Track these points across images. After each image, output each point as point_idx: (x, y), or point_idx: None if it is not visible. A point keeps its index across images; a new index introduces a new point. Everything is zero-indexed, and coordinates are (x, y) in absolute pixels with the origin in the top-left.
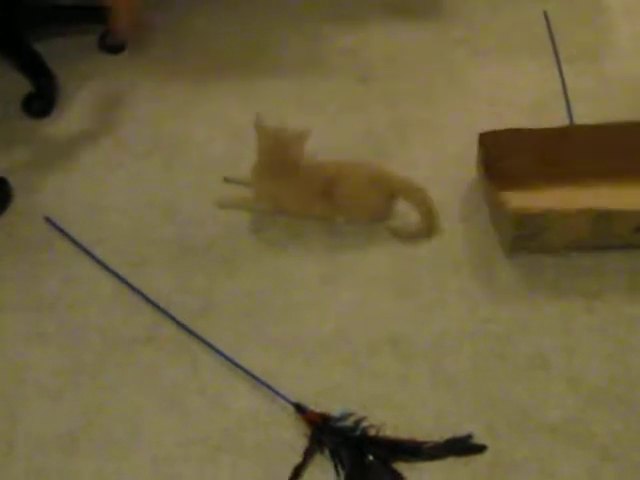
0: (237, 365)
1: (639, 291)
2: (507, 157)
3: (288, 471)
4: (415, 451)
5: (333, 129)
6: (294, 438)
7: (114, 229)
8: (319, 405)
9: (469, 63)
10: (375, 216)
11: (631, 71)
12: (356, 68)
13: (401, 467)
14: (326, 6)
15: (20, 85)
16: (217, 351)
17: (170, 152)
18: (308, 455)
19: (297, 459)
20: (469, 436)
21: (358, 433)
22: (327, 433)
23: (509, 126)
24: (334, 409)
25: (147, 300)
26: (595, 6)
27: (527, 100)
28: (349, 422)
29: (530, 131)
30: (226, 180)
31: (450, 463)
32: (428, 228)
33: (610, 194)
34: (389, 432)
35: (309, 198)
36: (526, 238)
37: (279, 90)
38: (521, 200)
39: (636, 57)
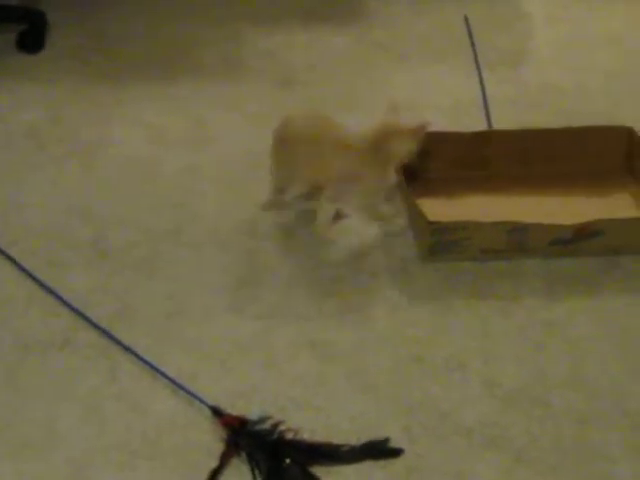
0: (155, 368)
1: (555, 296)
2: (427, 161)
3: (205, 475)
4: (332, 454)
5: (253, 131)
6: (211, 442)
7: (31, 230)
8: (237, 408)
9: (390, 67)
10: None
11: (550, 78)
12: (277, 71)
13: (318, 471)
14: (247, 9)
15: None
16: (135, 354)
17: (89, 154)
18: (225, 459)
19: (214, 463)
20: (386, 439)
21: (275, 436)
22: (244, 436)
23: (429, 130)
24: (252, 412)
25: (64, 303)
26: (515, 12)
27: (447, 104)
28: (266, 425)
29: (450, 135)
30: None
31: (367, 467)
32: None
33: (529, 200)
34: (307, 435)
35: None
36: (443, 246)
37: (198, 92)
38: (440, 207)
39: (555, 64)
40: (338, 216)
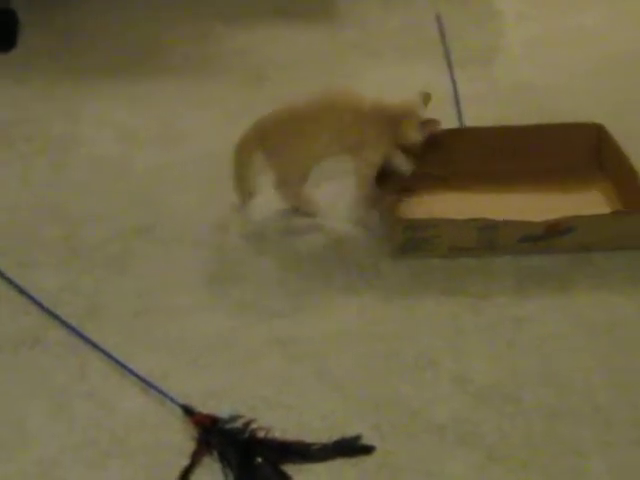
0: (125, 367)
1: (525, 293)
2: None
3: (176, 474)
4: (303, 453)
5: (223, 130)
6: (182, 440)
7: (0, 229)
8: (208, 407)
9: (361, 65)
10: None
11: (521, 75)
12: (247, 70)
13: (290, 469)
14: (218, 7)
15: None
16: (105, 353)
17: (59, 152)
18: (196, 457)
19: (185, 462)
20: (358, 437)
21: (247, 435)
22: (215, 435)
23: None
24: (223, 411)
25: (34, 301)
26: (487, 10)
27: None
28: (238, 424)
29: None
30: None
31: (338, 464)
32: None
33: (500, 198)
34: (278, 434)
35: None
36: (413, 243)
37: (169, 90)
38: (410, 204)
39: (527, 62)
40: (306, 214)
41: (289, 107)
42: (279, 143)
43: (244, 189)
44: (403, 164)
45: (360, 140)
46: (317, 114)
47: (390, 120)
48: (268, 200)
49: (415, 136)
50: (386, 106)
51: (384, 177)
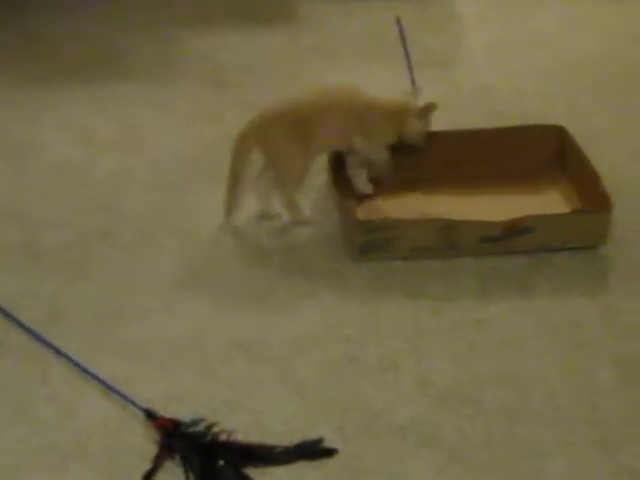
0: (87, 371)
1: (487, 295)
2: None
3: (138, 478)
4: (266, 456)
5: (185, 134)
6: (144, 444)
7: None
8: (170, 411)
9: (322, 68)
10: None
11: (482, 78)
12: (209, 73)
13: (252, 472)
14: (179, 11)
15: None
16: (67, 357)
17: (19, 156)
18: (158, 461)
19: (147, 465)
20: (320, 440)
21: (209, 438)
22: (178, 439)
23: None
24: (185, 415)
25: None
26: (447, 14)
27: None
28: (200, 428)
29: None
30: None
31: (300, 467)
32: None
33: (462, 200)
34: (240, 437)
35: None
36: (374, 245)
37: (130, 94)
38: (370, 207)
39: (487, 65)
40: (267, 216)
41: (291, 101)
42: (283, 138)
43: (234, 191)
44: (380, 153)
45: (366, 132)
46: (324, 107)
47: (392, 112)
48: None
49: (419, 129)
50: (385, 100)
51: (344, 180)
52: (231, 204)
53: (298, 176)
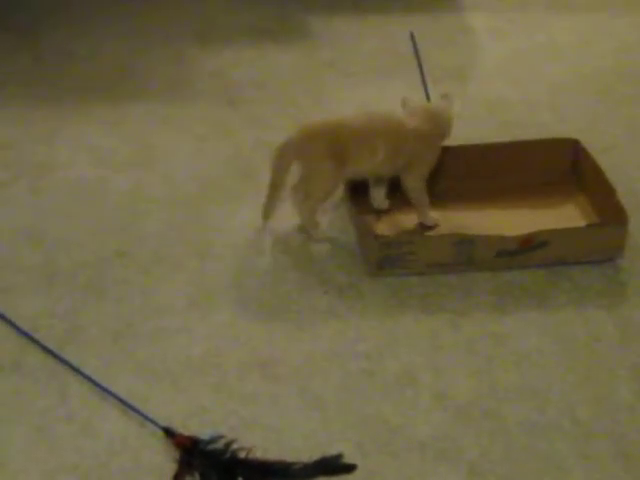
0: (106, 390)
1: (503, 309)
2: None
3: None
4: (285, 472)
5: (200, 152)
6: (164, 462)
7: None
8: (189, 429)
9: (336, 85)
10: None
11: (495, 91)
12: (223, 91)
13: None
14: (191, 29)
15: None
16: (85, 376)
17: (35, 177)
18: (178, 479)
19: None
20: (339, 456)
21: (228, 456)
22: (197, 456)
23: None
24: (204, 432)
25: (13, 326)
26: (460, 27)
27: None
28: (219, 445)
29: None
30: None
31: None
32: None
33: (477, 214)
34: (259, 454)
35: None
36: (391, 261)
37: (144, 113)
38: (387, 222)
39: (500, 77)
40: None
41: (335, 121)
42: (319, 155)
43: (274, 199)
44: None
45: (411, 158)
46: (368, 134)
47: (429, 134)
48: (244, 223)
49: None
50: (423, 122)
51: (360, 196)
52: (269, 210)
53: (324, 195)
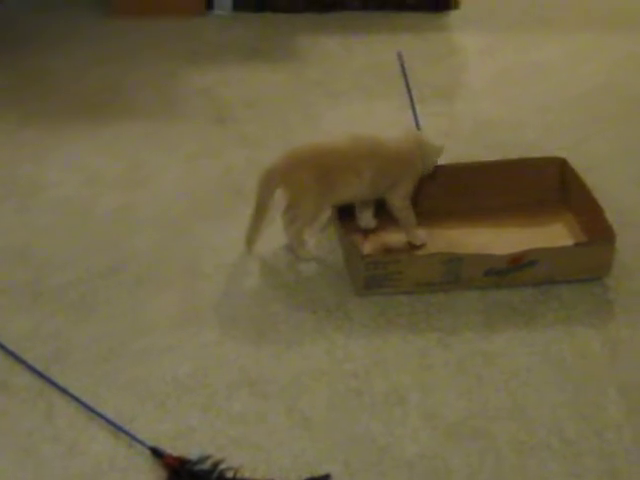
0: (93, 410)
1: (493, 327)
2: None
3: None
4: None
5: (190, 170)
6: None
7: None
8: (176, 449)
9: (325, 104)
10: None
11: (483, 111)
12: (212, 109)
13: None
14: (182, 47)
15: None
16: (72, 396)
17: (24, 196)
18: None
19: None
20: (327, 476)
21: (216, 476)
22: (185, 477)
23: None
24: (192, 452)
25: None
26: (448, 47)
27: None
28: (207, 465)
29: None
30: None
31: None
32: None
33: (465, 233)
34: (247, 474)
35: None
36: (377, 280)
37: (134, 132)
38: (374, 241)
39: (488, 97)
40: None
41: (321, 146)
42: (306, 181)
43: (258, 223)
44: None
45: (394, 180)
46: (359, 156)
47: (411, 154)
48: (233, 242)
49: (433, 163)
50: (404, 144)
51: (348, 215)
52: (253, 236)
53: (310, 219)
